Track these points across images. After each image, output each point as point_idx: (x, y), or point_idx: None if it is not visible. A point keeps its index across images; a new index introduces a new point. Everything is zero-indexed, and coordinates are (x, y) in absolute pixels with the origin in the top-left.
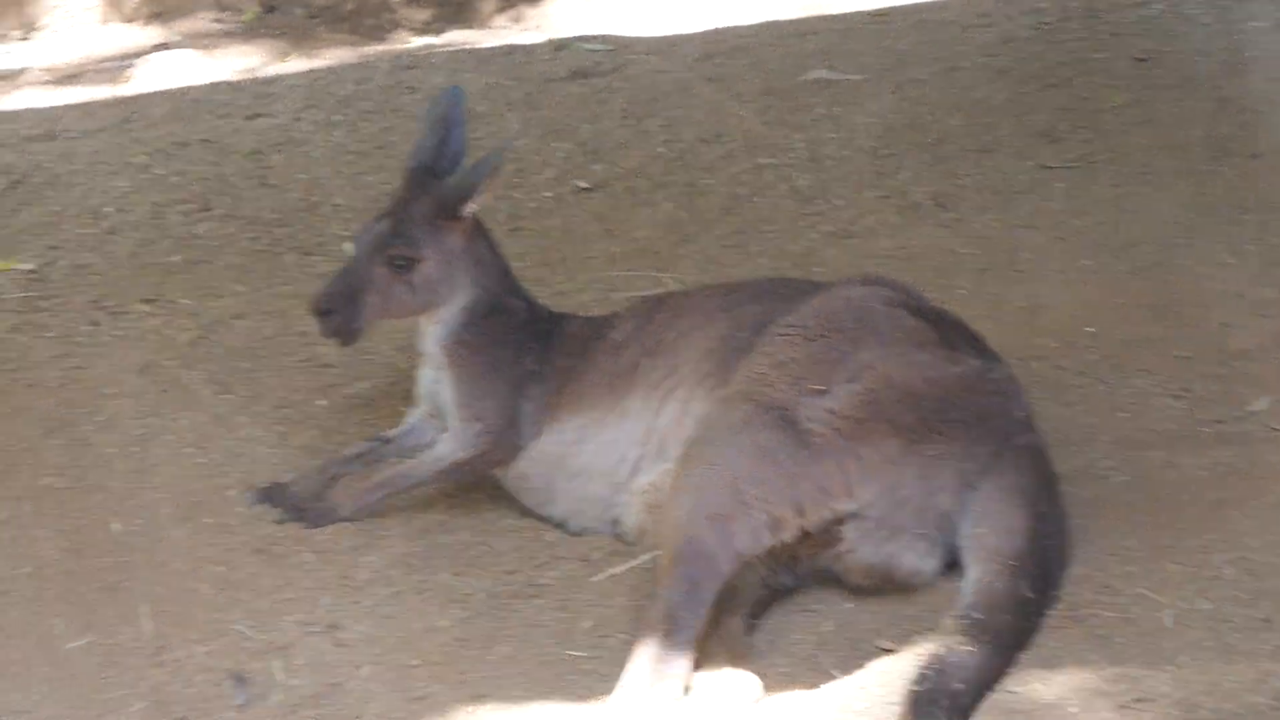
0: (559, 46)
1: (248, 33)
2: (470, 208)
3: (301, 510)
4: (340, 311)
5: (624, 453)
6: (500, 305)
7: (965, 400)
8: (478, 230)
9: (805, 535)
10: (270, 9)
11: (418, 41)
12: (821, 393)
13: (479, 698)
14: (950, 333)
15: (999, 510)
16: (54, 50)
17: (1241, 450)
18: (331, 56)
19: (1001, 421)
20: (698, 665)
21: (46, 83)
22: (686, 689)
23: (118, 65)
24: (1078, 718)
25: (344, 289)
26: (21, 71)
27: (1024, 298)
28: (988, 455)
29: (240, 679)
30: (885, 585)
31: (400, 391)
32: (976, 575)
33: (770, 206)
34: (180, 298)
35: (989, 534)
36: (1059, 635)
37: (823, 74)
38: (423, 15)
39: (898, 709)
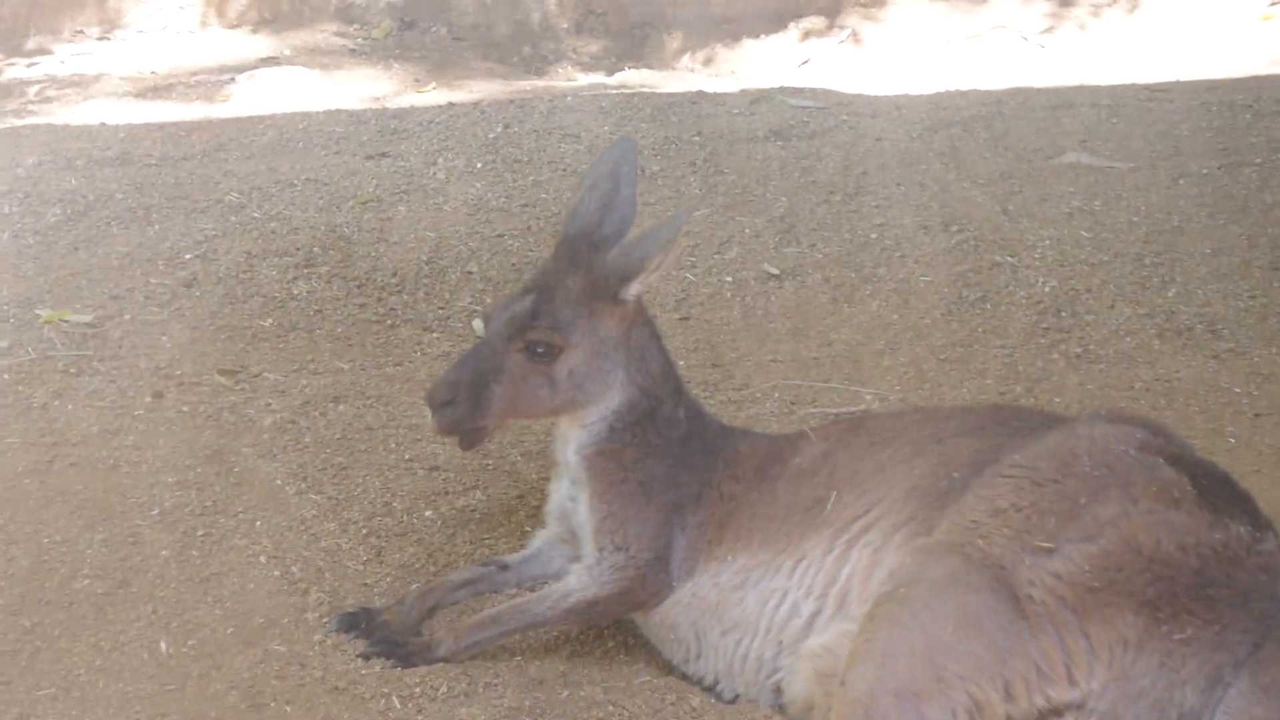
0: (756, 99)
1: (377, 52)
2: (633, 289)
3: (393, 645)
4: (462, 404)
5: (796, 605)
6: (658, 411)
7: (1225, 575)
8: (639, 318)
9: None
10: (407, 25)
11: (584, 79)
12: (1048, 551)
13: None
14: (1213, 490)
15: (1256, 713)
16: (139, 55)
17: None
18: (477, 89)
19: (1267, 605)
20: None
21: (126, 94)
22: None
23: (215, 79)
24: None
25: (469, 377)
26: (97, 78)
27: None
28: (1247, 645)
29: None
30: None
31: (527, 508)
32: None
33: (1002, 316)
34: (266, 371)
35: None
36: None
37: (1081, 158)
38: (593, 48)
39: None
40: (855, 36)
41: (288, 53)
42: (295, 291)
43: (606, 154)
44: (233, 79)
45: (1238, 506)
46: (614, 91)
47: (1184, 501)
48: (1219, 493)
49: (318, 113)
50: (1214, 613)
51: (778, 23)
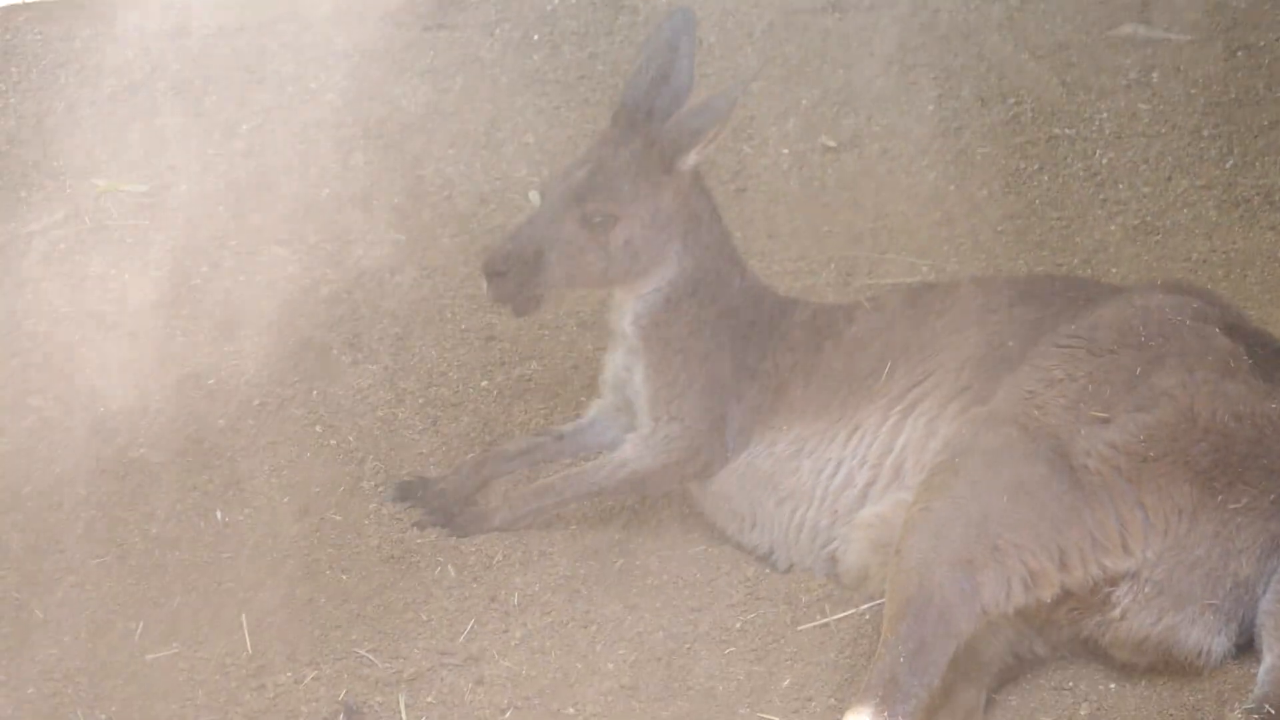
0: None
1: None
2: (690, 159)
3: (448, 514)
4: (518, 273)
5: (850, 475)
6: (715, 282)
7: None
8: (696, 188)
9: (1067, 595)
10: None
11: None
12: (1104, 421)
13: None
14: (1270, 361)
15: None
16: None
17: None
18: None
19: None
20: None
21: None
22: None
23: None
24: None
25: (525, 247)
26: None
27: None
28: None
29: (356, 713)
30: (1161, 664)
31: (582, 378)
32: (1275, 662)
33: (1060, 188)
34: (323, 242)
35: None
36: None
37: (1139, 30)
38: None
39: None
40: None
41: None
42: (351, 163)
43: (664, 25)
44: None
45: None
46: None
47: (1240, 371)
48: (1275, 362)
49: None
50: (1270, 482)
51: None
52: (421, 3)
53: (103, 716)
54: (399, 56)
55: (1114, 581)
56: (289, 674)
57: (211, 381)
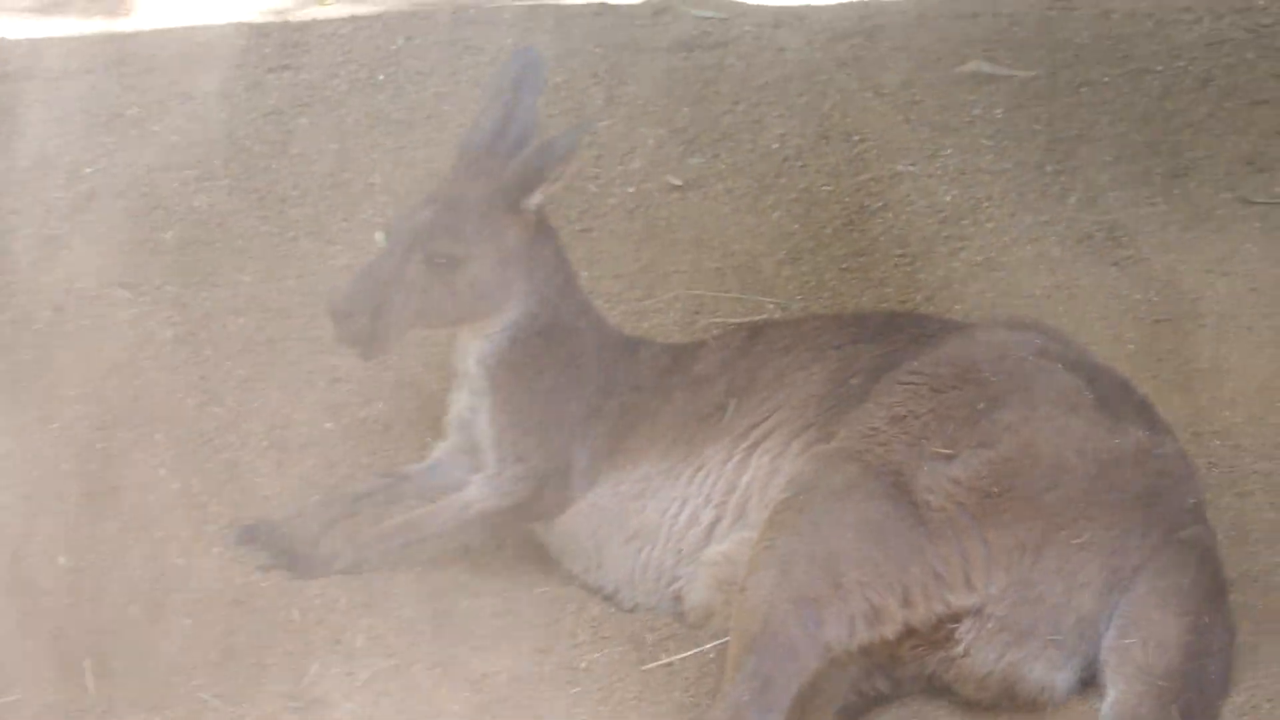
0: (659, 9)
1: None
2: (534, 200)
3: (293, 556)
4: (363, 315)
5: (695, 514)
6: (560, 322)
7: (1123, 480)
8: (541, 228)
9: (911, 631)
10: None
11: None
12: (947, 458)
13: None
14: (1112, 396)
15: (1153, 618)
16: None
17: None
18: (381, 2)
19: (1165, 509)
20: None
21: (26, 9)
22: None
23: None
24: None
25: (371, 288)
26: None
27: (1207, 359)
28: (1145, 549)
29: None
30: (1005, 701)
31: (427, 419)
32: (1118, 697)
33: (904, 225)
34: (167, 284)
35: (1138, 646)
36: None
37: (983, 67)
38: None
39: None
40: None
41: None
42: (196, 205)
43: (508, 65)
44: None
45: (1136, 412)
46: (517, 3)
47: (1082, 407)
48: (1117, 398)
49: (220, 25)
50: (1112, 517)
51: None
52: (266, 44)
53: None
54: (243, 98)
55: (957, 618)
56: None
57: (55, 425)
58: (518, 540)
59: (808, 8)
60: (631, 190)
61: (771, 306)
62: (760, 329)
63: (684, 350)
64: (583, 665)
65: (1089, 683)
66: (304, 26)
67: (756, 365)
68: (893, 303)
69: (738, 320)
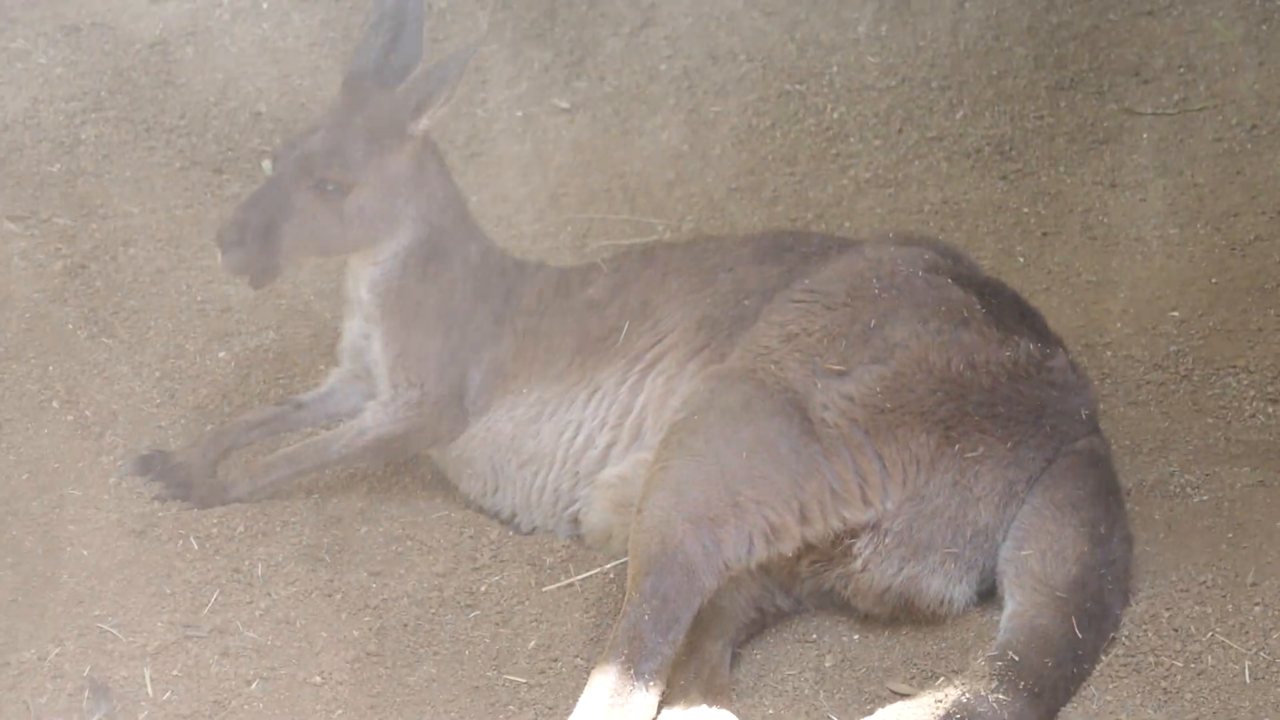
0: None
1: None
2: (421, 125)
3: (189, 486)
4: (252, 243)
5: (590, 436)
6: (450, 247)
7: (1016, 392)
8: (428, 153)
9: (808, 548)
10: None
11: None
12: (840, 374)
13: None
14: (1003, 309)
15: (1049, 529)
16: None
17: None
18: None
19: (1059, 420)
20: (667, 700)
21: None
22: None
23: None
24: None
25: (258, 216)
26: None
27: (1096, 271)
28: (1039, 461)
29: (101, 689)
30: (904, 614)
31: (320, 346)
32: (1017, 607)
33: (792, 144)
34: (56, 216)
35: (1035, 558)
36: (1114, 686)
37: None
38: None
39: None
40: None
41: None
42: (83, 136)
43: None
44: None
45: (1026, 324)
46: None
47: (973, 321)
48: (1008, 311)
49: None
50: (1006, 430)
51: None
52: None
53: None
54: (128, 28)
55: (854, 533)
56: (32, 651)
57: None
58: (414, 465)
59: None
60: (519, 114)
61: (662, 228)
62: (652, 251)
63: (576, 273)
64: (482, 589)
65: (987, 595)
66: None
67: (649, 288)
68: (783, 222)
69: (629, 242)
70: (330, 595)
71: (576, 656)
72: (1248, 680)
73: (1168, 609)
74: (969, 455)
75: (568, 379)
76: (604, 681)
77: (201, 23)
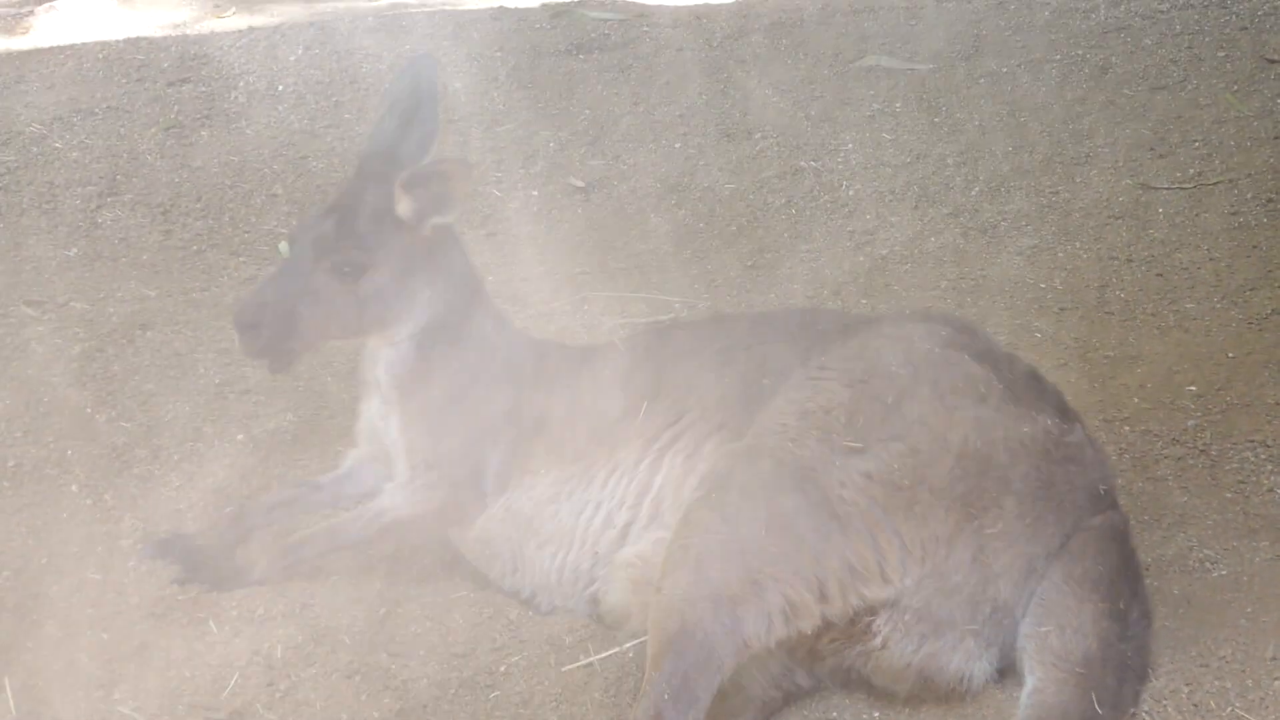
0: (558, 13)
1: None
2: (428, 227)
3: (207, 569)
4: (270, 326)
5: (610, 516)
6: (466, 328)
7: (1034, 468)
8: (444, 234)
9: (828, 626)
10: None
11: None
12: (858, 452)
13: None
14: (1020, 385)
15: (1068, 605)
16: None
17: None
18: (278, 13)
19: (1077, 496)
20: None
21: None
22: None
23: (14, 12)
24: None
25: (276, 298)
26: None
27: (1113, 345)
28: (1058, 537)
29: None
30: (923, 692)
31: (338, 428)
32: (1037, 685)
33: (807, 221)
34: (73, 301)
35: (1055, 634)
36: None
37: (881, 61)
38: None
39: None
40: None
41: None
42: (99, 220)
43: (406, 72)
44: (32, 11)
45: (1044, 400)
46: (415, 10)
47: (991, 396)
48: (1025, 387)
49: (118, 41)
50: (1024, 506)
51: None
52: (165, 58)
53: None
54: (143, 112)
55: (873, 611)
56: None
57: None
58: (434, 547)
59: (705, 7)
60: (535, 193)
61: (678, 306)
62: (668, 330)
63: (593, 353)
64: (502, 669)
65: (1007, 672)
66: (202, 39)
67: (666, 367)
68: (799, 300)
69: (645, 321)
70: (350, 677)
71: None
72: None
73: (1187, 684)
74: (988, 531)
75: (586, 458)
76: None
77: (217, 105)
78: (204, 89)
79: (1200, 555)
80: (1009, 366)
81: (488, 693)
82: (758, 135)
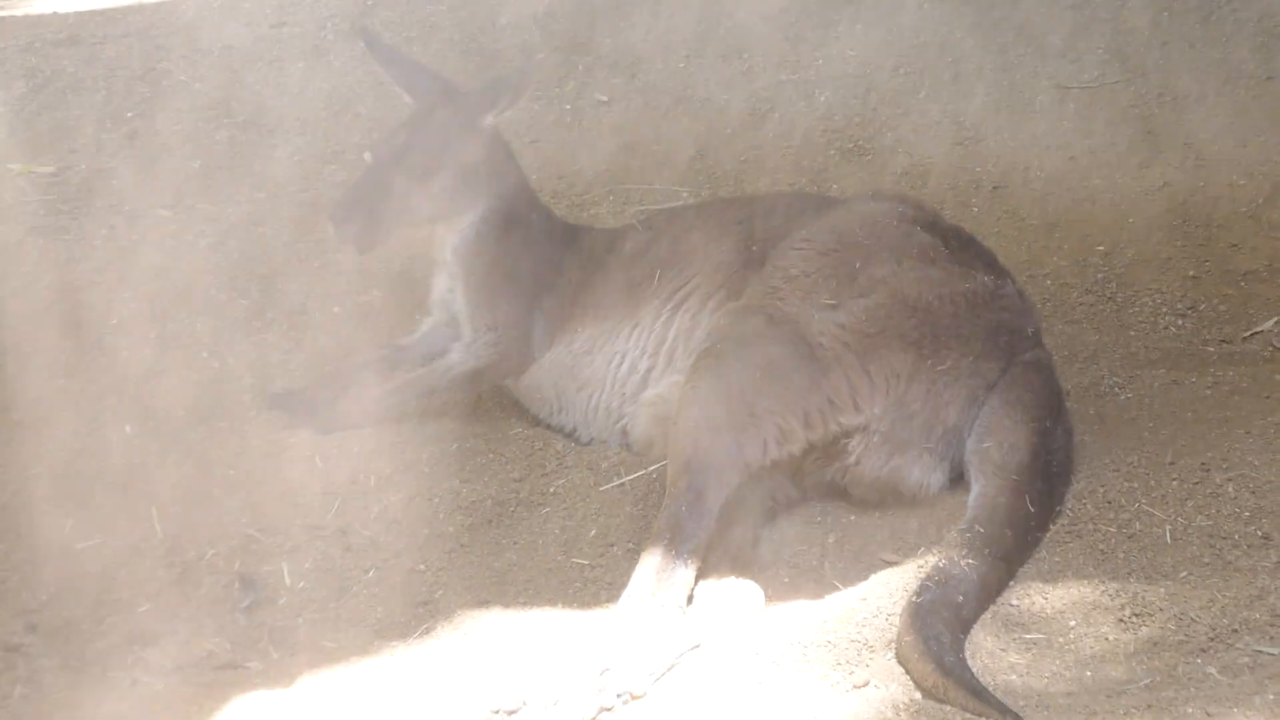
0: None
1: None
2: (489, 120)
3: (314, 416)
4: (358, 219)
5: (634, 363)
6: (516, 216)
7: (975, 316)
8: (496, 142)
9: (812, 448)
10: None
11: None
12: (833, 307)
13: (484, 603)
14: (962, 249)
15: (1005, 425)
16: None
17: (1246, 369)
18: None
19: (1010, 338)
20: (702, 574)
21: None
22: (690, 598)
23: None
24: (1076, 630)
25: (363, 197)
26: None
27: (1036, 216)
28: (996, 371)
29: (248, 581)
30: (890, 499)
31: (414, 300)
32: (980, 489)
33: (789, 124)
34: (199, 203)
35: (994, 448)
36: (1060, 549)
37: None
38: None
39: (899, 619)
40: None
41: None
42: (217, 138)
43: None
44: None
45: (982, 261)
46: None
47: (938, 260)
48: (966, 251)
49: None
50: (968, 347)
51: None
52: (266, 6)
53: (43, 596)
54: (251, 50)
55: (849, 434)
56: (193, 552)
57: (114, 321)
58: (492, 393)
59: None
60: (568, 107)
61: (686, 194)
62: (677, 213)
63: (617, 233)
64: (551, 490)
65: (957, 480)
66: None
67: (676, 242)
68: (783, 186)
69: (659, 207)
70: (429, 499)
71: (629, 542)
72: (1168, 541)
73: (1102, 486)
74: (939, 369)
75: (614, 317)
76: (651, 561)
77: (310, 43)
78: (299, 30)
79: (1110, 382)
80: (953, 235)
81: (540, 509)
82: (746, 55)
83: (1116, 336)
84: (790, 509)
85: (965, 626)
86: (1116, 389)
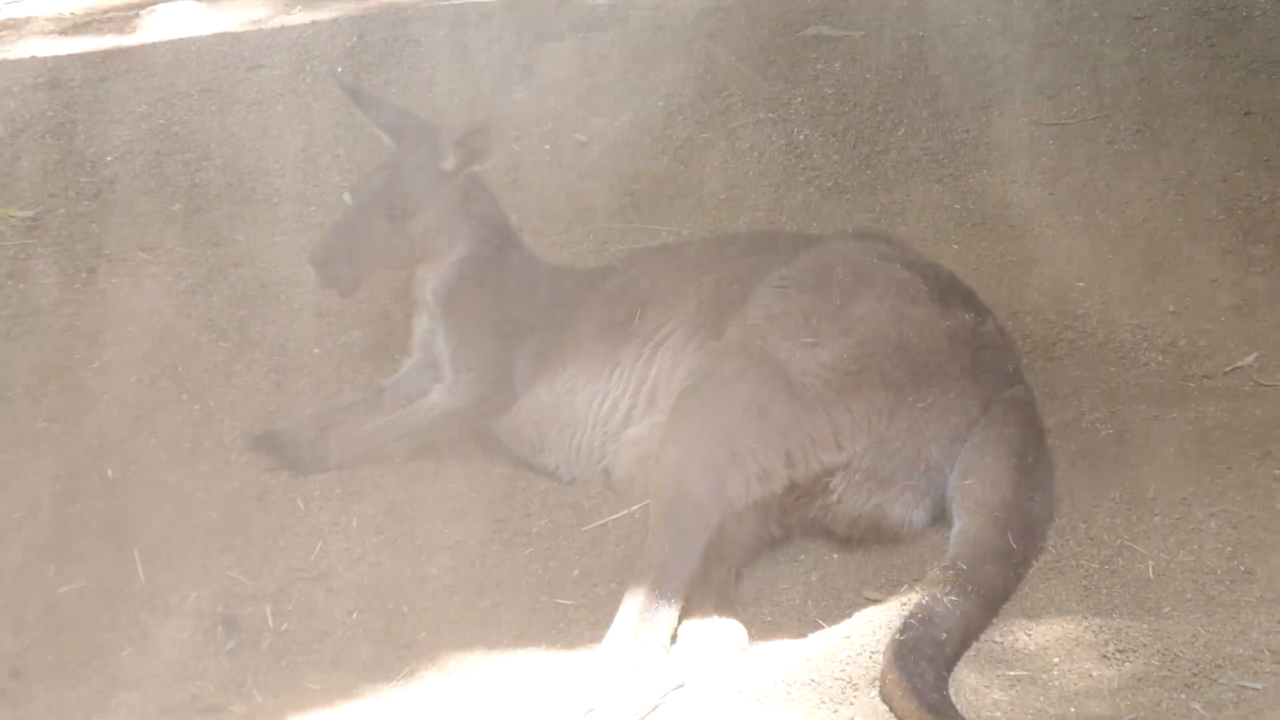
0: (561, 2)
1: None
2: (463, 174)
3: (295, 458)
4: (338, 261)
5: (615, 403)
6: (497, 257)
7: (955, 353)
8: (475, 183)
9: (794, 486)
10: None
11: None
12: (814, 345)
13: (467, 645)
14: (942, 287)
15: (986, 462)
16: (61, 0)
17: (1227, 405)
18: (335, 9)
19: (991, 374)
20: (685, 614)
21: (51, 32)
22: (674, 637)
23: (125, 14)
24: (1060, 667)
25: (343, 239)
26: (27, 21)
27: (1016, 253)
28: (977, 407)
29: (231, 623)
30: (872, 536)
31: (395, 341)
32: (963, 526)
33: (767, 161)
34: (178, 246)
35: (976, 485)
36: (1043, 586)
37: (823, 30)
38: None
39: (882, 658)
40: None
41: None
42: (197, 181)
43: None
44: (138, 14)
45: (961, 299)
46: (445, 3)
47: (919, 297)
48: (946, 288)
49: (206, 36)
50: (949, 383)
51: None
52: (243, 48)
53: (26, 641)
54: (229, 92)
55: (831, 473)
56: (176, 595)
57: (95, 364)
58: (474, 434)
59: None
60: (548, 147)
61: (665, 233)
62: (658, 252)
63: (598, 272)
64: (534, 530)
65: (939, 517)
66: (274, 32)
67: (657, 280)
68: (762, 224)
69: (639, 245)
70: (412, 541)
71: (611, 582)
72: (1151, 577)
73: (1084, 522)
74: (920, 406)
75: (595, 357)
76: (635, 601)
77: (289, 85)
78: (277, 73)
79: (1091, 418)
80: (932, 272)
81: (523, 549)
82: (725, 94)
83: (1097, 372)
84: (773, 547)
85: (949, 663)
86: (1098, 425)
